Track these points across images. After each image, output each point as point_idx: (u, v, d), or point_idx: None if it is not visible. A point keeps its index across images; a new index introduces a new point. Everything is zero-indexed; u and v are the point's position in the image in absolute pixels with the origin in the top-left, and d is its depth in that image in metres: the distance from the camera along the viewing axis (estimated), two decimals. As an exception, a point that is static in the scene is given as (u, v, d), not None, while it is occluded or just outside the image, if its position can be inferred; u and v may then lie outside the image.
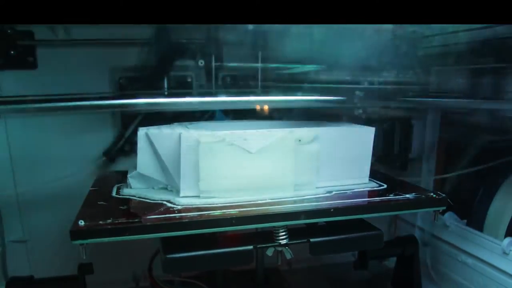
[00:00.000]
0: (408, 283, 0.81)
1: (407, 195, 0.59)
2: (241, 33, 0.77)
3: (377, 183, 0.66)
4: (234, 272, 0.82)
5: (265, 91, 0.84)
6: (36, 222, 0.83)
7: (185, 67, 0.83)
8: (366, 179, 0.65)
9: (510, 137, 0.76)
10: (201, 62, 0.82)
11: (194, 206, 0.53)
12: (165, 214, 0.51)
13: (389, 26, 0.77)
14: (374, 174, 0.67)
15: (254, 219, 0.51)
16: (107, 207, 0.54)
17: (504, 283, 0.70)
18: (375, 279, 0.93)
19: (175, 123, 0.67)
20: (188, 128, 0.61)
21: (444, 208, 0.60)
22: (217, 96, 0.75)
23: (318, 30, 0.74)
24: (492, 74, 0.77)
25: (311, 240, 0.55)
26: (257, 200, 0.55)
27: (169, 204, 0.54)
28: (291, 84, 0.85)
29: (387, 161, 0.98)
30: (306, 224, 0.56)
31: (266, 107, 0.77)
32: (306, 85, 0.82)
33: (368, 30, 0.75)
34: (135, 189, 0.60)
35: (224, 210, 0.51)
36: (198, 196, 0.55)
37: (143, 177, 0.60)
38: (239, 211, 0.51)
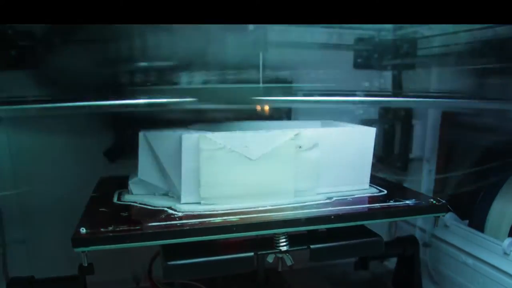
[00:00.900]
0: (408, 283, 0.81)
1: (407, 201, 0.60)
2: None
3: (377, 188, 0.66)
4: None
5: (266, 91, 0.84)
6: (36, 222, 0.83)
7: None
8: (367, 185, 0.66)
9: (511, 137, 0.76)
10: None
11: (195, 213, 0.53)
12: (166, 221, 0.51)
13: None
14: (374, 180, 0.67)
15: (254, 227, 0.51)
16: (108, 213, 0.55)
17: (505, 283, 0.70)
18: (376, 279, 0.93)
19: (175, 125, 0.67)
20: (188, 129, 0.61)
21: (444, 214, 0.60)
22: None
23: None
24: (493, 74, 0.77)
25: (312, 246, 0.55)
26: (258, 207, 0.55)
27: (170, 211, 0.54)
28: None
29: (388, 161, 0.98)
30: (306, 230, 0.56)
31: (266, 108, 0.77)
32: (306, 85, 0.82)
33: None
34: (136, 195, 0.60)
35: (225, 217, 0.52)
36: (199, 203, 0.55)
37: (144, 183, 0.60)
38: (239, 218, 0.52)
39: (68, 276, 0.63)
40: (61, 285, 0.64)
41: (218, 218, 0.51)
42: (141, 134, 0.58)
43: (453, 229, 0.83)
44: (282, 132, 0.57)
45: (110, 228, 0.48)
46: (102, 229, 0.48)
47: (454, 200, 0.89)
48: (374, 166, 0.66)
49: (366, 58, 0.94)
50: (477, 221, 0.82)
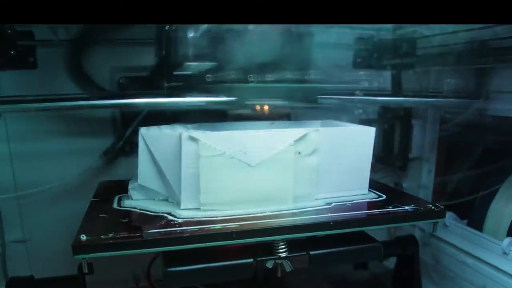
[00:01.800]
0: (408, 283, 0.81)
1: (406, 207, 0.60)
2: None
3: (376, 193, 0.66)
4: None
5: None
6: (36, 222, 0.83)
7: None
8: (366, 190, 0.66)
9: (511, 137, 0.76)
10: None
11: (194, 219, 0.54)
12: (166, 228, 0.51)
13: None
14: (373, 184, 0.68)
15: (254, 233, 0.51)
16: (108, 220, 0.55)
17: (504, 283, 0.70)
18: (375, 279, 0.93)
19: (175, 124, 0.67)
20: (188, 128, 0.61)
21: (443, 219, 0.61)
22: (218, 96, 0.74)
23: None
24: (493, 74, 0.77)
25: (311, 252, 0.56)
26: (257, 213, 0.56)
27: (170, 217, 0.54)
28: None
29: (387, 161, 0.98)
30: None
31: (266, 107, 0.77)
32: (307, 85, 0.82)
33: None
34: (136, 201, 0.60)
35: (225, 224, 0.52)
36: (198, 209, 0.55)
37: (144, 188, 0.60)
38: (239, 224, 0.52)
39: (68, 276, 0.63)
40: (60, 285, 0.64)
41: (218, 224, 0.52)
42: (140, 139, 0.58)
43: (453, 228, 0.83)
44: (281, 132, 0.57)
45: (110, 235, 0.48)
46: (102, 236, 0.48)
47: (453, 199, 0.90)
48: (373, 165, 0.66)
49: (366, 58, 0.94)
50: (476, 221, 0.82)
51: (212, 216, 0.54)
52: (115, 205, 0.61)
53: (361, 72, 0.94)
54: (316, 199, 0.60)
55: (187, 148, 0.54)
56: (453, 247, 0.82)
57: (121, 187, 0.66)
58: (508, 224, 0.76)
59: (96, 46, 0.78)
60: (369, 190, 0.66)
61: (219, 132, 0.55)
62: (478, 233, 0.78)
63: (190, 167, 0.54)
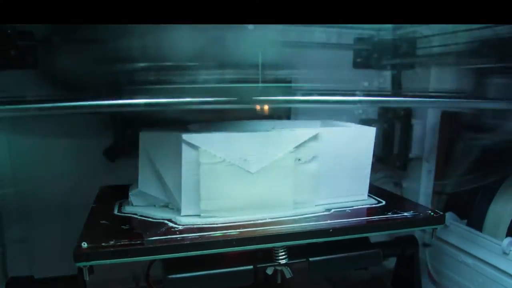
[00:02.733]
0: (408, 283, 0.81)
1: (405, 213, 0.61)
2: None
3: (375, 199, 0.66)
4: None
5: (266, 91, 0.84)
6: (36, 222, 0.83)
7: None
8: (365, 196, 0.66)
9: (510, 137, 0.76)
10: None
11: (195, 226, 0.54)
12: (167, 235, 0.51)
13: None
14: (372, 189, 0.68)
15: (254, 240, 0.52)
16: (109, 226, 0.55)
17: (504, 283, 0.70)
18: (375, 279, 0.93)
19: (175, 124, 0.67)
20: (187, 129, 0.61)
21: (442, 226, 0.61)
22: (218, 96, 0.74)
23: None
24: (493, 74, 0.77)
25: (310, 259, 0.56)
26: (257, 220, 0.56)
27: (170, 224, 0.55)
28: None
29: (387, 161, 0.98)
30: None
31: (266, 107, 0.77)
32: (306, 85, 0.82)
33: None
34: (136, 207, 0.61)
35: (225, 231, 0.52)
36: (199, 215, 0.55)
37: (144, 195, 0.60)
38: (239, 231, 0.52)
39: (68, 276, 0.63)
40: (60, 284, 0.64)
41: (218, 232, 0.52)
42: (141, 145, 0.58)
43: (453, 228, 0.83)
44: (281, 138, 0.57)
45: (111, 243, 0.49)
46: (103, 244, 0.48)
47: (453, 199, 0.90)
48: (373, 165, 0.66)
49: (366, 58, 0.94)
50: (476, 221, 0.82)
51: (212, 222, 0.54)
52: (115, 211, 0.61)
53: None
54: (315, 205, 0.61)
55: (187, 155, 0.54)
56: (453, 247, 0.82)
57: (122, 192, 0.66)
58: (508, 224, 0.76)
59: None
60: (368, 195, 0.66)
61: (219, 133, 0.55)
62: (478, 233, 0.78)
63: (190, 174, 0.54)
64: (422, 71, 0.91)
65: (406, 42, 0.87)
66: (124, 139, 0.85)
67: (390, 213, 0.60)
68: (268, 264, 0.55)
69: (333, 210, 0.61)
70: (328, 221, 0.57)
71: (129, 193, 0.61)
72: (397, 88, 0.93)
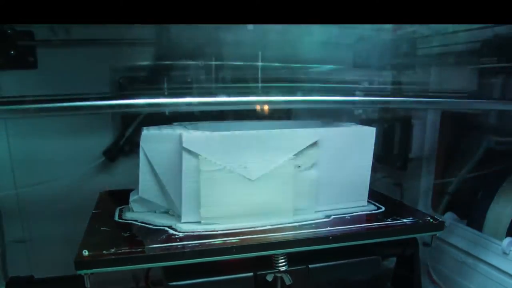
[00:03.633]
0: (408, 283, 0.81)
1: (405, 220, 0.60)
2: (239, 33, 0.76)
3: (375, 205, 0.66)
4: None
5: (266, 91, 0.84)
6: (36, 222, 0.83)
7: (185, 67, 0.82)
8: (365, 202, 0.66)
9: (510, 137, 0.76)
10: (201, 62, 0.82)
11: (195, 233, 0.54)
12: (167, 242, 0.51)
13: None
14: (372, 194, 0.68)
15: (254, 248, 0.52)
16: (110, 233, 0.55)
17: (504, 283, 0.70)
18: (375, 279, 0.93)
19: (175, 124, 0.67)
20: (187, 128, 0.60)
21: (441, 231, 0.61)
22: (218, 96, 0.75)
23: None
24: (493, 74, 0.77)
25: (310, 266, 0.57)
26: (257, 227, 0.56)
27: (171, 231, 0.55)
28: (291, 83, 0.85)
29: (387, 161, 0.98)
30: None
31: (266, 107, 0.77)
32: (306, 85, 0.82)
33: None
34: (137, 213, 0.61)
35: (225, 238, 0.52)
36: (199, 222, 0.55)
37: (144, 201, 0.60)
38: (239, 239, 0.52)
39: (68, 276, 0.63)
40: (60, 285, 0.64)
41: (218, 239, 0.52)
42: (141, 152, 0.57)
43: (453, 228, 0.83)
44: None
45: (112, 251, 0.49)
46: (104, 251, 0.48)
47: (453, 199, 0.90)
48: (373, 165, 0.66)
49: (366, 58, 0.94)
50: (476, 221, 0.82)
51: (212, 229, 0.54)
52: (116, 218, 0.61)
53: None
54: (315, 211, 0.61)
55: (188, 162, 0.54)
56: (453, 247, 0.82)
57: (122, 198, 0.66)
58: (508, 224, 0.76)
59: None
60: (368, 201, 0.66)
61: (219, 135, 0.55)
62: (478, 233, 0.78)
63: (190, 181, 0.54)
64: (422, 71, 0.91)
65: (406, 42, 0.87)
66: (124, 139, 0.85)
67: (389, 220, 0.60)
68: (268, 271, 0.55)
69: (332, 217, 0.61)
70: (328, 228, 0.57)
71: (130, 199, 0.61)
72: (397, 88, 0.93)
